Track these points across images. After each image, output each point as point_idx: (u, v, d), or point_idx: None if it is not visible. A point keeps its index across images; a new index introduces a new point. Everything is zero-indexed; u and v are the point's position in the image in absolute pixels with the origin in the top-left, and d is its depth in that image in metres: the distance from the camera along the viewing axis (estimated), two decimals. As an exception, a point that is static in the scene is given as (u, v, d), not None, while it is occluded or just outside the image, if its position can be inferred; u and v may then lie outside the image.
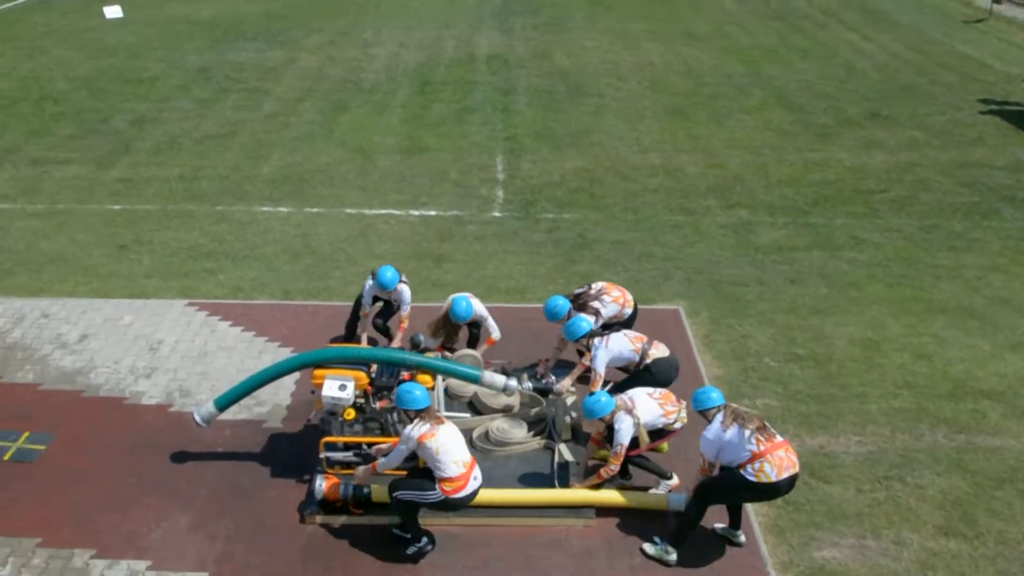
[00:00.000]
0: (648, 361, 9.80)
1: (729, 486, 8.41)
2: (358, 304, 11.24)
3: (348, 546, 8.75)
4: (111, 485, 9.53)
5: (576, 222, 15.06)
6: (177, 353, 11.70)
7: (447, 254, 14.11)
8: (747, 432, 8.15)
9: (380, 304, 11.34)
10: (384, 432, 9.32)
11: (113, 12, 29.90)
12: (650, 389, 9.13)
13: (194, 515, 9.12)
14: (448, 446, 8.27)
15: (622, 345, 9.81)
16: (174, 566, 8.54)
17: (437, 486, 8.26)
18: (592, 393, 9.01)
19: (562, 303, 10.37)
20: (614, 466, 8.84)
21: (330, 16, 29.72)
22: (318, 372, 9.28)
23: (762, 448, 8.12)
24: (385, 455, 8.67)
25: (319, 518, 9.00)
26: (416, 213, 15.47)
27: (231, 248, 14.39)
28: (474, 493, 8.43)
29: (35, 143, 18.91)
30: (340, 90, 21.99)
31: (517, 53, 24.82)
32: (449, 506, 8.41)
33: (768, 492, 8.24)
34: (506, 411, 10.18)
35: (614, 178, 16.77)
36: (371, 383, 9.34)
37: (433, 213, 15.43)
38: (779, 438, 8.30)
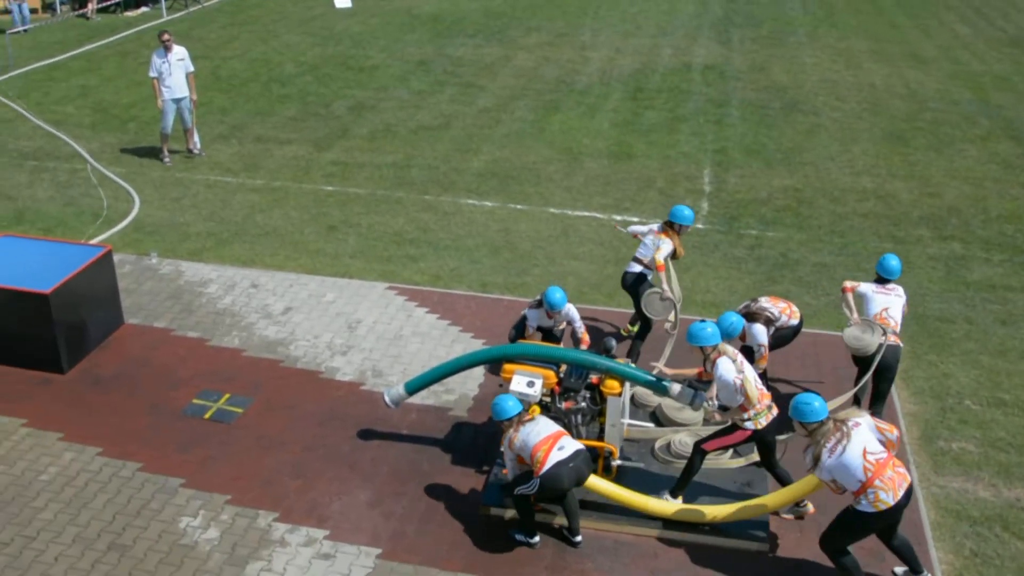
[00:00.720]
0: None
1: (848, 528, 7.89)
2: (521, 332, 10.50)
3: (519, 542, 8.77)
4: (299, 453, 9.86)
5: (780, 241, 14.68)
6: (373, 334, 12.01)
7: (645, 261, 13.99)
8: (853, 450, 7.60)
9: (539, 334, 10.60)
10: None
11: (343, 1, 30.99)
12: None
13: (373, 491, 9.33)
14: (531, 434, 8.40)
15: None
16: (350, 538, 8.76)
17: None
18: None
19: (736, 320, 9.70)
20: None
21: (550, 17, 29.96)
22: (508, 366, 9.33)
23: (869, 476, 7.57)
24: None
25: (494, 510, 9.06)
26: (619, 218, 15.40)
27: (434, 237, 14.68)
28: (567, 464, 8.30)
29: (260, 122, 19.79)
30: (553, 90, 22.12)
31: (734, 65, 24.42)
32: (547, 488, 8.34)
33: (890, 517, 7.70)
34: (688, 425, 10.01)
35: (823, 199, 16.27)
36: (559, 383, 9.33)
37: (636, 219, 15.31)
38: (881, 450, 7.71)
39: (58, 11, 30.17)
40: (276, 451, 9.90)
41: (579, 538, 8.69)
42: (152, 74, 16.86)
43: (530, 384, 9.16)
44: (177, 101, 17.01)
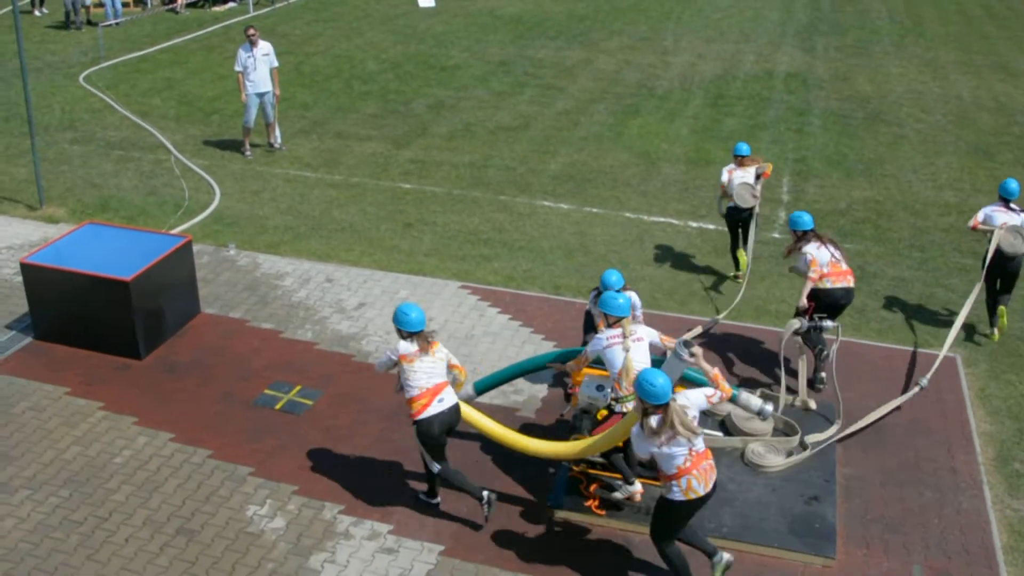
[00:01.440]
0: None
1: (663, 517, 7.92)
2: (589, 321, 10.49)
3: (582, 546, 8.75)
4: (366, 447, 9.94)
5: (858, 253, 14.44)
6: (445, 332, 12.06)
7: (721, 269, 13.86)
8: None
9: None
10: (633, 437, 9.23)
11: (426, 1, 31.19)
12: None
13: (439, 489, 9.36)
14: (420, 374, 8.54)
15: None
16: (413, 534, 8.81)
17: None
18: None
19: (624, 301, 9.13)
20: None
21: (632, 21, 29.85)
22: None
23: (688, 465, 7.56)
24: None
25: (560, 513, 9.04)
26: (694, 225, 15.29)
27: (508, 237, 14.70)
28: (443, 415, 8.59)
29: (341, 118, 19.99)
30: (633, 94, 22.03)
31: (817, 73, 24.09)
32: (424, 432, 8.60)
33: (699, 505, 7.77)
34: (758, 436, 9.90)
35: (903, 212, 15.98)
36: (628, 387, 9.27)
37: (712, 227, 15.19)
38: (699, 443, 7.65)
39: (149, 5, 30.80)
40: (344, 444, 9.99)
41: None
42: (237, 68, 17.12)
43: (599, 388, 9.13)
44: (261, 95, 17.25)
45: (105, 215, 15.00)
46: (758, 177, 13.28)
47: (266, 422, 10.27)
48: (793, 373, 10.97)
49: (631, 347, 8.69)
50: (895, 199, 16.49)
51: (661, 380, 7.44)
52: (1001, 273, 12.15)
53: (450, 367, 8.84)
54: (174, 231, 14.30)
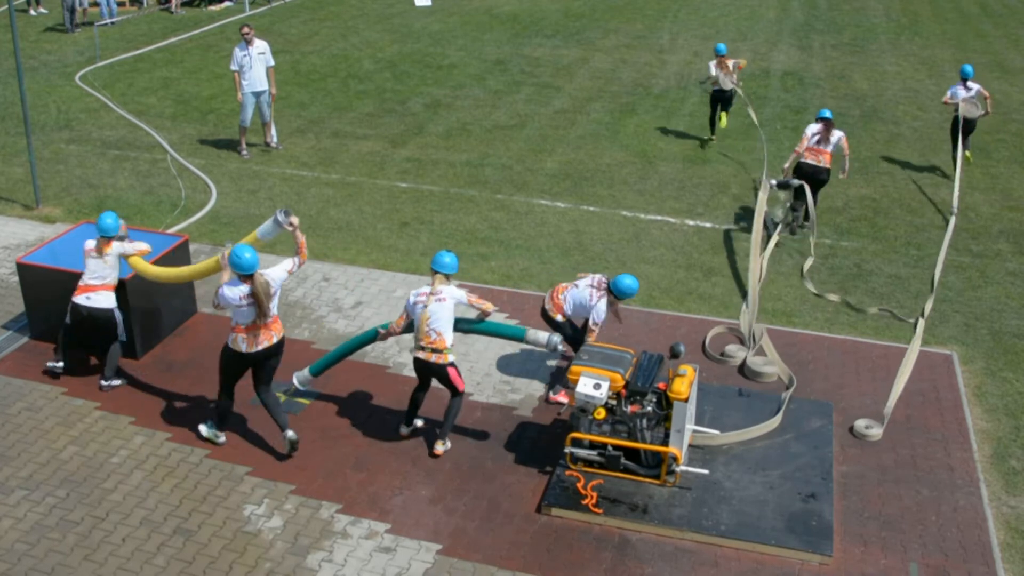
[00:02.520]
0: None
1: (222, 363, 9.62)
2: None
3: (578, 544, 8.74)
4: (363, 446, 9.94)
5: (854, 251, 14.45)
6: (441, 330, 12.04)
7: (717, 267, 13.87)
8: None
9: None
10: (631, 436, 9.24)
11: (422, 0, 31.16)
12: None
13: (435, 488, 9.37)
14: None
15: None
16: (411, 533, 8.81)
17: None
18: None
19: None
20: None
21: (628, 19, 29.85)
22: (575, 368, 9.32)
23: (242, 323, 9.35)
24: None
25: (556, 511, 9.05)
26: (691, 223, 15.29)
27: (506, 236, 14.70)
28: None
29: (338, 117, 19.98)
30: (630, 93, 22.03)
31: (813, 71, 24.10)
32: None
33: (250, 360, 9.47)
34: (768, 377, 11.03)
35: (900, 210, 15.99)
36: (625, 386, 9.28)
37: (708, 225, 15.20)
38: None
39: (144, 4, 30.76)
40: (341, 443, 9.99)
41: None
42: (233, 67, 17.10)
43: (596, 386, 9.13)
44: (257, 94, 17.24)
45: (101, 215, 14.97)
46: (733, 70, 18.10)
47: (263, 421, 10.25)
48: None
49: (432, 304, 9.52)
50: (891, 197, 16.50)
51: (248, 255, 9.11)
52: (964, 129, 17.15)
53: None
54: (171, 230, 14.29)
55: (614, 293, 10.29)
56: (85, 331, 10.66)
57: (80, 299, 10.47)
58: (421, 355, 9.61)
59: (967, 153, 17.63)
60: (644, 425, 9.21)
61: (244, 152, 17.69)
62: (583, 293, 10.41)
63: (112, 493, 9.24)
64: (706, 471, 9.39)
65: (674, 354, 9.79)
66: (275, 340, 9.51)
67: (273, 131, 18.05)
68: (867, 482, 9.56)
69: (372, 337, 10.34)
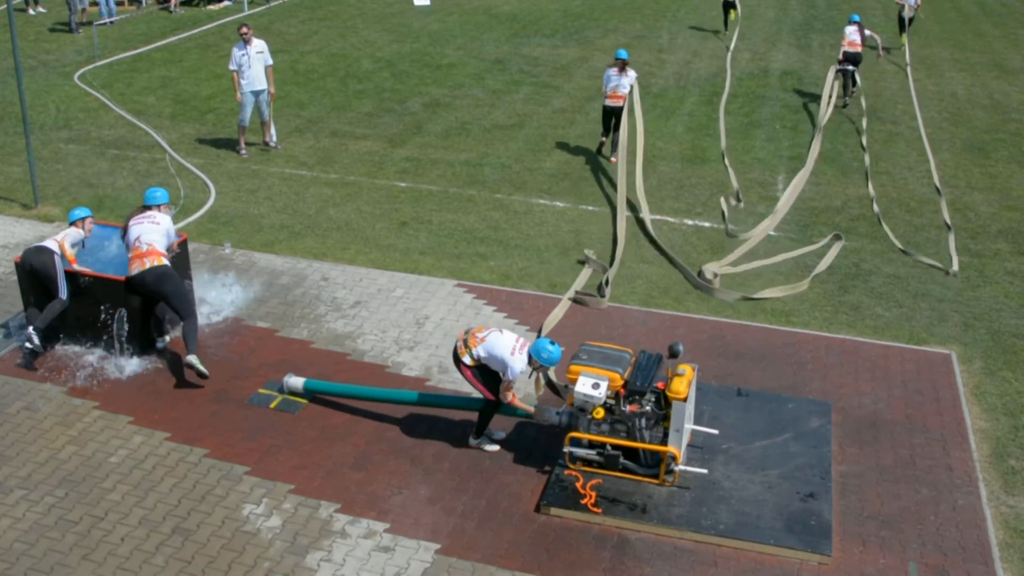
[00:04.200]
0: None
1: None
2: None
3: (577, 543, 8.74)
4: (362, 446, 9.93)
5: (853, 251, 14.45)
6: (441, 330, 12.05)
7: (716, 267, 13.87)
8: None
9: None
10: (630, 436, 9.24)
11: (421, 0, 31.16)
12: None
13: (434, 487, 9.37)
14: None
15: None
16: (409, 532, 8.81)
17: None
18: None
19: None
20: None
21: (628, 19, 29.85)
22: (573, 367, 9.31)
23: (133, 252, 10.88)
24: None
25: (554, 510, 9.04)
26: (690, 222, 15.29)
27: (505, 236, 14.69)
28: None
29: (336, 117, 19.98)
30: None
31: (812, 71, 24.11)
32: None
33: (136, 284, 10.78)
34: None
35: (898, 210, 15.99)
36: (624, 385, 9.28)
37: (707, 224, 15.20)
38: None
39: (143, 4, 30.74)
40: (339, 443, 9.98)
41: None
42: (232, 67, 17.09)
43: (595, 386, 9.13)
44: (256, 94, 17.23)
45: (100, 214, 14.92)
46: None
47: (261, 421, 10.26)
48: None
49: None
50: (890, 196, 16.50)
51: None
52: (850, 61, 21.34)
53: None
54: (169, 230, 14.26)
55: (533, 357, 9.53)
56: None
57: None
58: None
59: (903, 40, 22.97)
60: (643, 424, 9.21)
61: (243, 151, 17.69)
62: (505, 342, 9.53)
63: (111, 493, 9.24)
64: (705, 471, 9.39)
65: (673, 354, 9.78)
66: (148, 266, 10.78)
67: (272, 131, 18.04)
68: (866, 481, 9.57)
69: (382, 398, 10.41)
